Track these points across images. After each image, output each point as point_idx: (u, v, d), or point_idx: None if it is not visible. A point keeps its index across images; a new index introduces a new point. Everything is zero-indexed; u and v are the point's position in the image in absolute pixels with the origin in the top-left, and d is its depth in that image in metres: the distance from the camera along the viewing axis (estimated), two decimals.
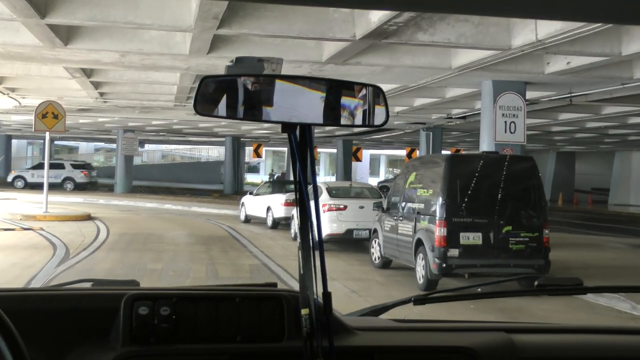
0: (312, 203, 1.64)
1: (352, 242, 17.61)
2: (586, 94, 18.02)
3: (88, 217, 24.78)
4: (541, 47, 12.31)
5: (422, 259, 11.64)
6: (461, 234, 11.18)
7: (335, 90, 1.63)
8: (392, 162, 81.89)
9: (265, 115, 1.58)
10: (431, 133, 32.08)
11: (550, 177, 48.73)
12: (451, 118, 26.15)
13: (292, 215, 19.84)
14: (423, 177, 12.32)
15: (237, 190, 47.05)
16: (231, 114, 1.60)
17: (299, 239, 1.63)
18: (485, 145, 16.54)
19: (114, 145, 50.12)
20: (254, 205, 24.42)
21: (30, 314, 1.83)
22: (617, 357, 2.06)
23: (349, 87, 1.65)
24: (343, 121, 1.64)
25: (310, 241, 1.64)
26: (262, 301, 1.88)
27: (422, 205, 12.02)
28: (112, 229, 21.20)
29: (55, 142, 63.67)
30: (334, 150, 58.63)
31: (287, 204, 21.99)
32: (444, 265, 11.13)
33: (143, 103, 25.77)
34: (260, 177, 70.34)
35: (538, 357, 1.98)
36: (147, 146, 66.66)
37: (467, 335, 1.99)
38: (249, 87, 1.58)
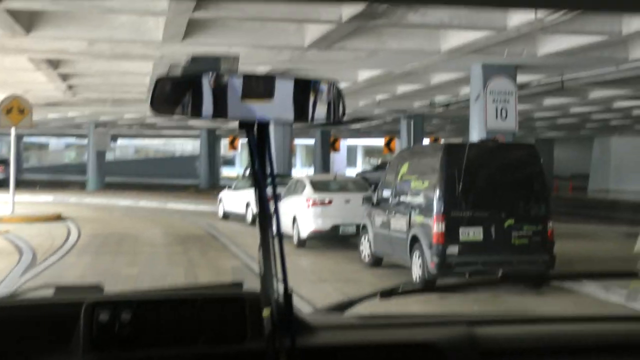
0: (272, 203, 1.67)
1: (338, 239, 16.75)
2: (576, 78, 17.27)
3: (58, 218, 23.76)
4: (540, 27, 11.53)
5: (419, 257, 10.81)
6: (461, 230, 10.36)
7: (292, 87, 1.63)
8: (369, 152, 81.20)
9: (222, 113, 1.59)
10: (412, 121, 31.38)
11: None
12: (434, 106, 25.36)
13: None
14: (417, 168, 11.45)
15: (214, 185, 46.18)
16: (187, 112, 1.59)
17: (259, 239, 1.63)
18: (476, 133, 15.79)
19: (85, 141, 48.85)
20: (232, 200, 23.48)
21: None
22: (577, 346, 2.04)
23: (306, 83, 1.65)
24: (301, 117, 1.65)
25: (270, 240, 1.62)
26: (224, 303, 1.86)
27: (417, 199, 11.18)
28: (84, 229, 20.24)
29: (25, 140, 62.23)
30: (310, 142, 57.90)
31: (268, 198, 21.08)
32: (443, 263, 10.32)
33: (114, 95, 24.73)
34: (236, 171, 69.52)
35: (499, 347, 1.99)
36: (120, 141, 65.36)
37: (430, 329, 2.00)
38: (205, 85, 1.58)
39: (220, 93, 1.58)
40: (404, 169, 11.87)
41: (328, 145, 45.70)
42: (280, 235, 1.65)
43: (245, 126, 1.62)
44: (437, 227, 10.35)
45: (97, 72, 19.25)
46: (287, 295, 1.65)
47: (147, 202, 32.00)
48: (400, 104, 25.77)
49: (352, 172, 66.31)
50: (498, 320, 2.20)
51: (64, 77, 20.21)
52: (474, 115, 16.00)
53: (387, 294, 2.19)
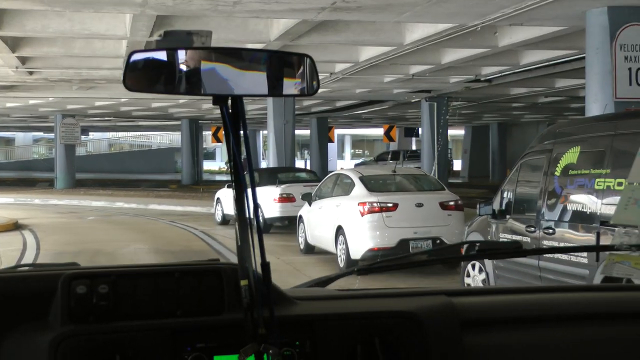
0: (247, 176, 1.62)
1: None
2: None
3: (14, 226, 19.04)
4: None
5: None
6: None
7: (266, 61, 1.62)
8: (358, 142, 76.86)
9: (195, 88, 1.57)
10: (435, 104, 26.90)
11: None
12: (478, 80, 20.70)
13: (299, 217, 14.15)
14: (607, 155, 6.64)
15: (197, 180, 41.48)
16: (161, 88, 1.58)
17: (235, 211, 1.60)
18: (598, 105, 11.09)
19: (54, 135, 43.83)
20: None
21: None
22: (556, 314, 2.02)
23: (281, 57, 1.65)
24: (275, 91, 1.65)
25: (247, 212, 1.58)
26: (201, 275, 1.79)
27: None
28: (45, 244, 15.61)
29: None
30: (297, 132, 53.17)
31: (283, 199, 16.39)
32: None
33: (81, 74, 19.76)
34: (217, 164, 64.90)
35: (478, 317, 1.97)
36: (92, 134, 60.30)
37: (409, 300, 1.97)
38: (179, 60, 1.56)
39: (194, 69, 1.56)
40: (570, 156, 7.03)
41: (326, 135, 40.99)
42: (256, 206, 1.62)
43: (219, 101, 1.58)
44: None
45: (55, 35, 14.32)
46: (265, 266, 1.61)
47: (125, 203, 27.18)
48: (434, 79, 21.05)
49: (343, 165, 61.70)
50: (477, 291, 2.20)
51: (12, 45, 15.28)
52: (592, 80, 11.31)
53: (364, 270, 2.22)
